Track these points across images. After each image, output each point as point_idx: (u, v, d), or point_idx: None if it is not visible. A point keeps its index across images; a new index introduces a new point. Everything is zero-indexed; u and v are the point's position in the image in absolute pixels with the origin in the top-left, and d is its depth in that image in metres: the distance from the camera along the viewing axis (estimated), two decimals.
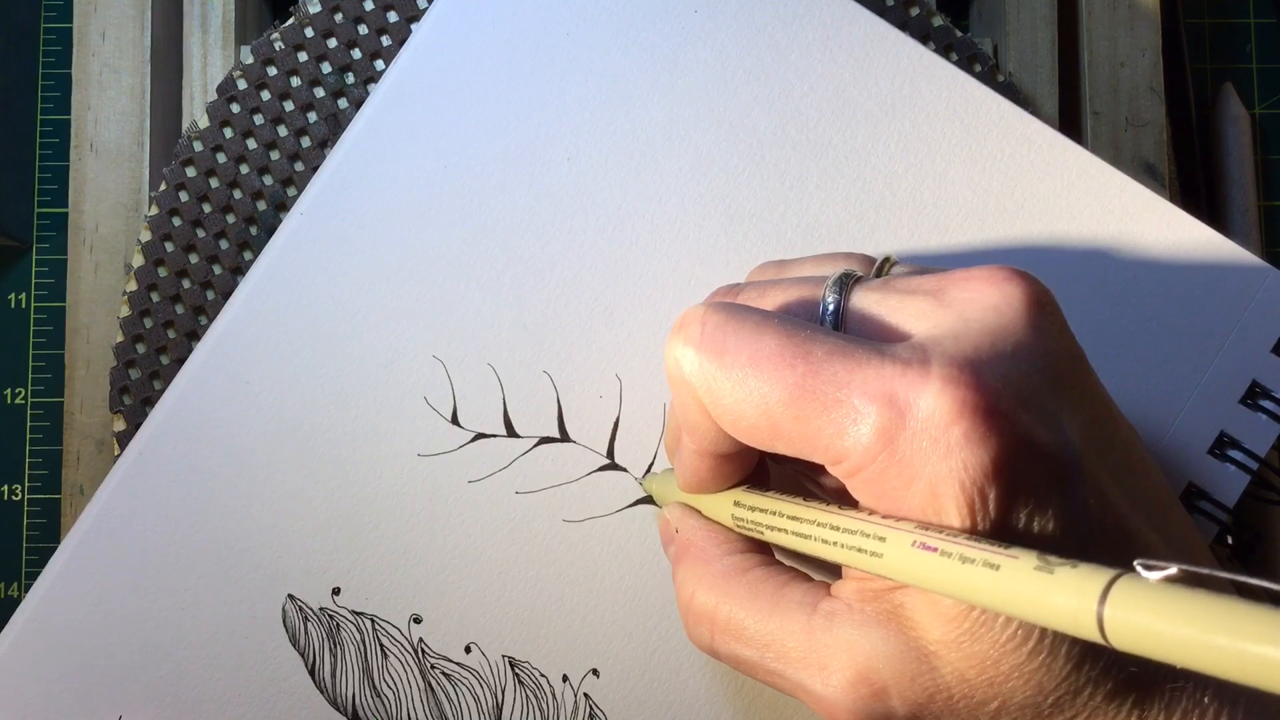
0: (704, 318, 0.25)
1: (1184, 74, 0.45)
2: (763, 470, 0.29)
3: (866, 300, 0.26)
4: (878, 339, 0.24)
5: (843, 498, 0.25)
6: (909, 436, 0.22)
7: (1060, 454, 0.23)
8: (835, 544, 0.23)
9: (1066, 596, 0.18)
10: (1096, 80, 0.40)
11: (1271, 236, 0.46)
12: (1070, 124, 0.41)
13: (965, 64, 0.39)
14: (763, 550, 0.28)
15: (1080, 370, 0.25)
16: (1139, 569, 0.18)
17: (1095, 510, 0.23)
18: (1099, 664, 0.22)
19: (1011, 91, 0.39)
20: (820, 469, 0.27)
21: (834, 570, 0.25)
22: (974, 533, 0.22)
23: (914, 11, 0.39)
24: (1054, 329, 0.24)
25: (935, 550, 0.21)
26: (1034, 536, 0.22)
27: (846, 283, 0.26)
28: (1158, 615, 0.17)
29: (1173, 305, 0.33)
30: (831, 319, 0.26)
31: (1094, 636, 0.18)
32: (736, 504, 0.27)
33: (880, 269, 0.28)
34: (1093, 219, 0.34)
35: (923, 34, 0.39)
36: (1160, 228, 0.33)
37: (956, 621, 0.22)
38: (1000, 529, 0.22)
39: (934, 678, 0.23)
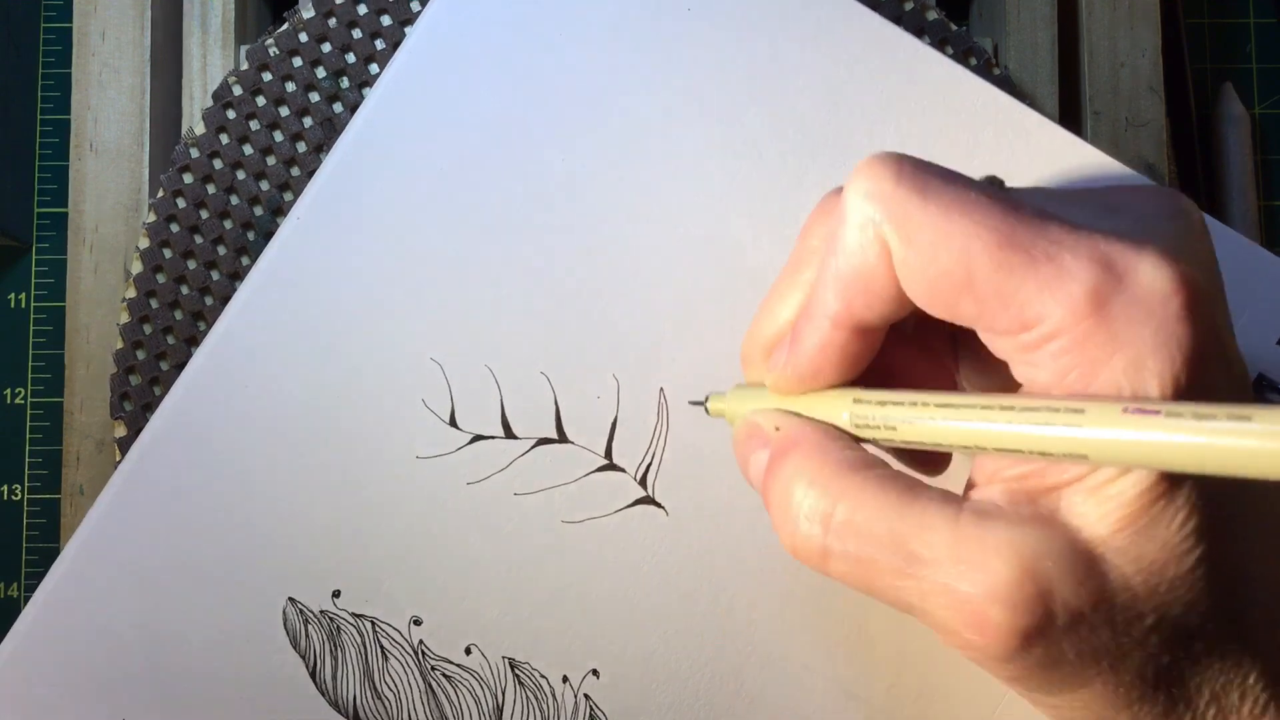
0: (900, 160, 0.23)
1: (1184, 74, 0.45)
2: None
3: (1030, 196, 0.24)
4: None
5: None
6: (1125, 301, 0.21)
7: (1238, 358, 0.22)
8: (1009, 424, 0.21)
9: None
10: (1096, 80, 0.40)
11: (1271, 236, 0.46)
12: (1070, 124, 0.41)
13: (960, 58, 0.39)
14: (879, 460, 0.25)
15: (1224, 291, 0.24)
16: None
17: None
18: (1250, 591, 0.22)
19: (1007, 85, 0.39)
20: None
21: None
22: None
23: (908, 6, 0.39)
24: (1211, 247, 0.24)
25: (1158, 413, 0.19)
26: None
27: (997, 183, 0.25)
28: None
29: None
30: None
31: None
32: (857, 400, 0.25)
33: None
34: None
35: (917, 28, 0.39)
36: None
37: (1131, 518, 0.21)
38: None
39: (1099, 582, 0.21)
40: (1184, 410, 0.18)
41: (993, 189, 0.23)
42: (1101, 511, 0.21)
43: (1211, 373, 0.21)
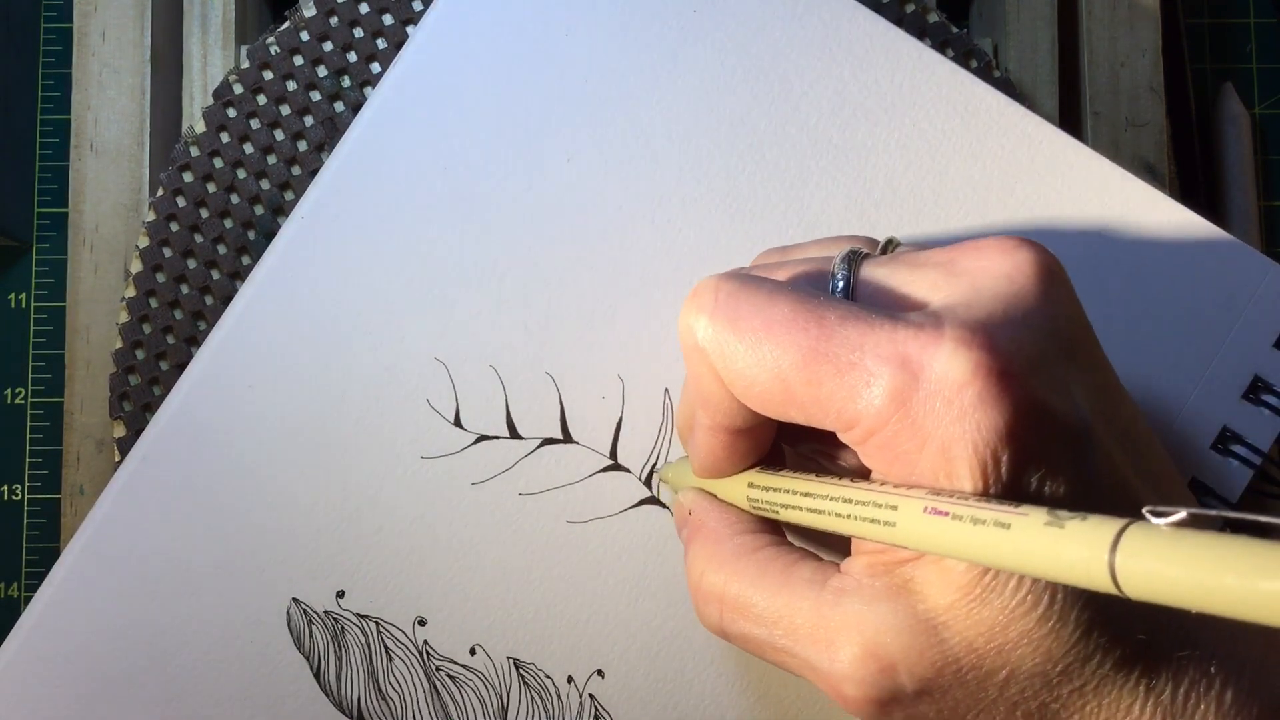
0: (717, 286, 0.25)
1: (1184, 74, 0.45)
2: (777, 454, 0.29)
3: (876, 274, 0.26)
4: (889, 310, 0.24)
5: (860, 477, 0.25)
6: (922, 398, 0.22)
7: (1071, 420, 0.23)
8: (848, 516, 0.23)
9: (1077, 548, 0.18)
10: (1096, 80, 0.40)
11: (1271, 236, 0.46)
12: (1070, 124, 0.41)
13: (961, 60, 0.39)
14: (774, 531, 0.28)
15: (1088, 339, 0.25)
16: (1148, 515, 0.18)
17: (1104, 477, 0.23)
18: (1108, 631, 0.22)
19: (1008, 87, 0.39)
20: (837, 446, 0.27)
21: (846, 552, 0.26)
22: (986, 495, 0.22)
23: (910, 8, 0.39)
24: (1063, 297, 0.25)
25: (946, 514, 0.21)
26: (1044, 500, 0.22)
27: (855, 259, 0.26)
28: (1169, 560, 0.17)
29: (1174, 300, 0.33)
30: (841, 294, 0.26)
31: (1107, 587, 0.18)
32: (751, 485, 0.27)
33: (885, 248, 0.28)
34: (1093, 214, 0.34)
35: (919, 30, 0.39)
36: (1161, 222, 0.34)
37: (966, 588, 0.22)
38: (1012, 492, 0.22)
39: (942, 649, 0.23)
40: (964, 513, 0.21)
41: (805, 298, 0.24)
42: (942, 582, 0.22)
43: (1033, 442, 0.22)
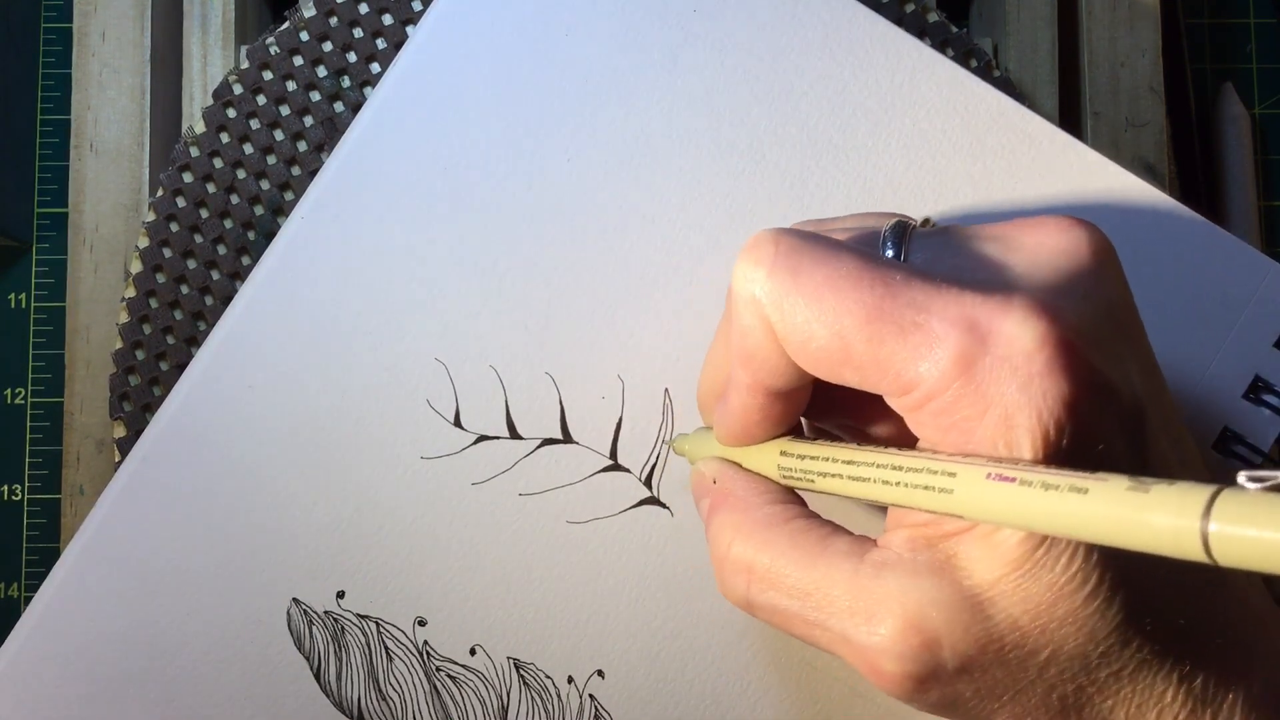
0: (777, 239, 0.25)
1: (1184, 74, 0.45)
2: (797, 431, 0.28)
3: (928, 246, 0.26)
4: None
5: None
6: (989, 363, 0.22)
7: (1129, 398, 0.23)
8: (898, 484, 0.23)
9: (1166, 515, 0.17)
10: (1096, 80, 0.40)
11: (1271, 236, 0.46)
12: (1070, 124, 0.41)
13: (961, 60, 0.39)
14: (802, 504, 0.27)
15: (1137, 322, 0.25)
16: (1242, 480, 0.17)
17: (1155, 457, 0.23)
18: (1149, 614, 0.22)
19: (1008, 87, 0.39)
20: (866, 421, 0.27)
21: (876, 530, 0.25)
22: (1047, 465, 0.21)
23: (910, 8, 0.39)
24: (1117, 278, 0.24)
25: (1013, 480, 0.20)
26: None
27: (903, 230, 0.26)
28: (1268, 525, 0.16)
29: (1175, 300, 0.33)
30: None
31: (1197, 555, 0.17)
32: (783, 453, 0.27)
33: (923, 225, 0.28)
34: (1093, 214, 0.34)
35: (919, 30, 0.39)
36: (1161, 222, 0.34)
37: (1016, 563, 0.22)
38: (1071, 465, 0.21)
39: (986, 626, 0.22)
40: (1034, 479, 0.20)
41: (868, 257, 0.24)
42: (989, 557, 0.22)
43: (1094, 417, 0.22)
